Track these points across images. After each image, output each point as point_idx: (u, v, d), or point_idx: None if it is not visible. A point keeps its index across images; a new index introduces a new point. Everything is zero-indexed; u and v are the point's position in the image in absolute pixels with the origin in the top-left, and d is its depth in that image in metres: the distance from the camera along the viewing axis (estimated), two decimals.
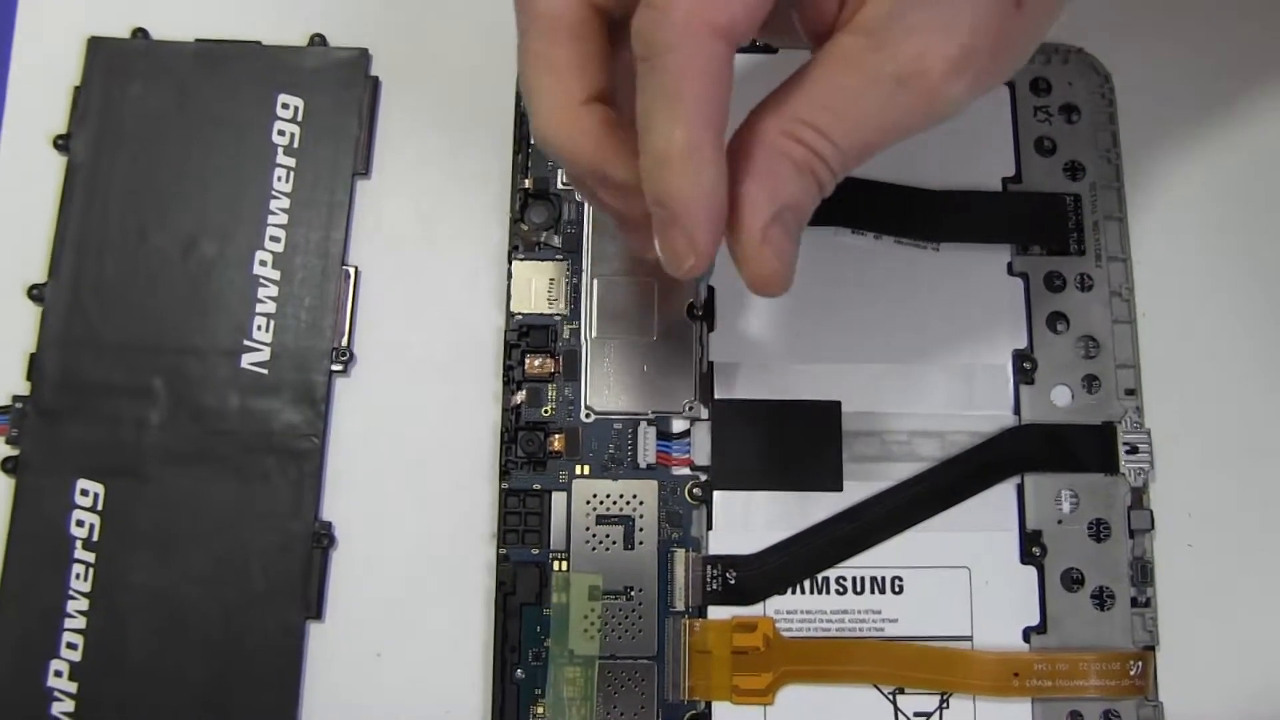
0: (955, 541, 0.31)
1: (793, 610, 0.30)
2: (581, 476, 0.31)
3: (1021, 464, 0.31)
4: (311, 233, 0.33)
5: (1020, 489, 0.31)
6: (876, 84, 0.21)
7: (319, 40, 0.34)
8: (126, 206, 0.32)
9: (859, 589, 0.30)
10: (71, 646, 0.30)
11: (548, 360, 0.31)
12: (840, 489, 0.31)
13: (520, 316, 0.32)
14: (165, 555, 0.30)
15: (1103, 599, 0.30)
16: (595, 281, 0.32)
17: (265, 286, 0.32)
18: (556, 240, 0.32)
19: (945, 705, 0.30)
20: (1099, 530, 0.31)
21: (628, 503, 0.31)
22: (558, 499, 0.31)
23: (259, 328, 0.32)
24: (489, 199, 0.33)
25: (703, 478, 0.31)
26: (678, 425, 0.31)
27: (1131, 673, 0.30)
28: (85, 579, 0.30)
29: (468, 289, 0.33)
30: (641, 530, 0.30)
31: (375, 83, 0.34)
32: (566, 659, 0.30)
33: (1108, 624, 0.30)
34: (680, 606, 0.30)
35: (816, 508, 0.31)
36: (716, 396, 0.31)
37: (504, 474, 0.31)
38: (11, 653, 0.30)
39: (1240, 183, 0.34)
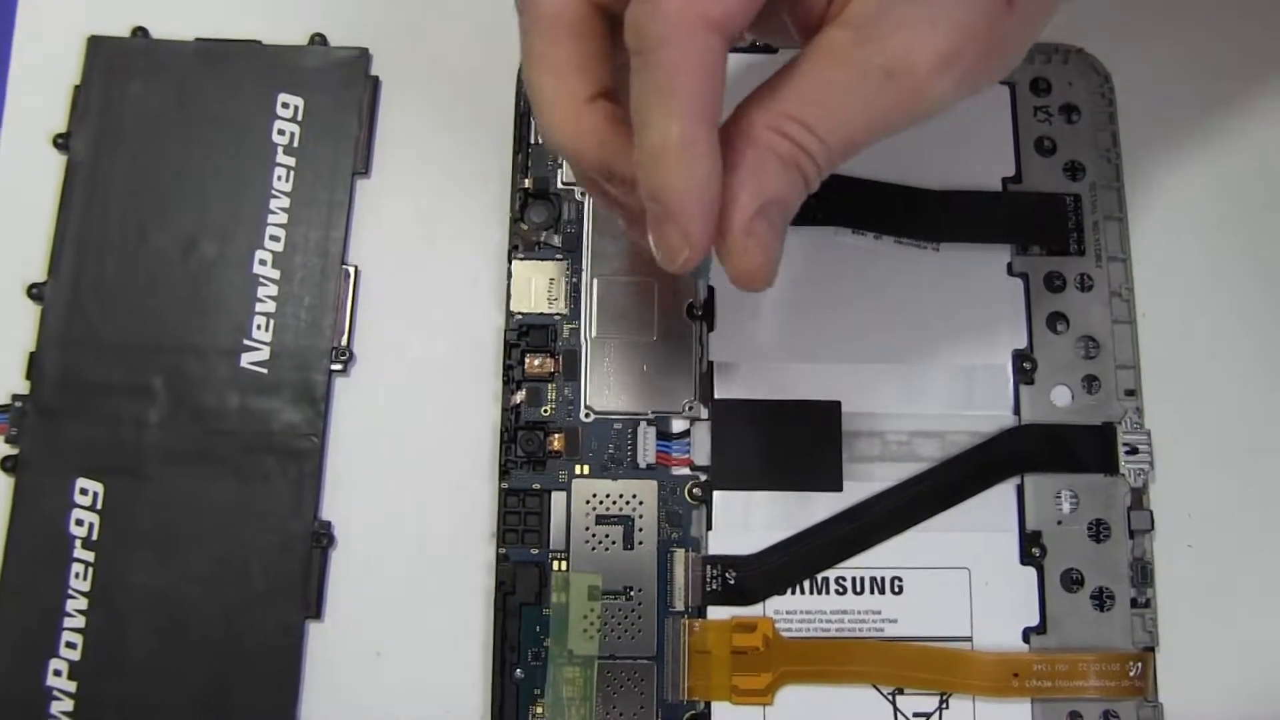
0: (955, 542, 0.31)
1: (792, 610, 0.30)
2: (581, 476, 0.31)
3: (1021, 464, 0.31)
4: (311, 232, 0.33)
5: (1020, 489, 0.31)
6: (863, 79, 0.21)
7: (319, 40, 0.34)
8: (126, 205, 0.32)
9: (859, 589, 0.30)
10: (71, 645, 0.30)
11: (547, 360, 0.31)
12: (840, 489, 0.31)
13: (520, 316, 0.32)
14: (164, 554, 0.30)
15: (1102, 599, 0.30)
16: (595, 281, 0.32)
17: (265, 286, 0.32)
18: (556, 240, 0.32)
19: (945, 706, 0.30)
20: (1099, 531, 0.31)
21: (627, 503, 0.31)
22: (557, 499, 0.31)
23: (259, 327, 0.32)
24: (489, 198, 0.33)
25: (702, 478, 0.31)
26: (677, 425, 0.31)
27: (1131, 673, 0.30)
28: (85, 578, 0.30)
29: (468, 288, 0.33)
30: (641, 530, 0.30)
31: (375, 82, 0.34)
32: (566, 659, 0.30)
33: (1107, 624, 0.30)
34: (680, 606, 0.30)
35: (816, 508, 0.31)
36: (716, 396, 0.31)
37: (503, 474, 0.31)
38: (11, 651, 0.30)
39: (1241, 183, 0.34)
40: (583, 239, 0.32)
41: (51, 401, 0.31)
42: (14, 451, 0.31)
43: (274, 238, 0.32)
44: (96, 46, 0.33)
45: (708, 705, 0.30)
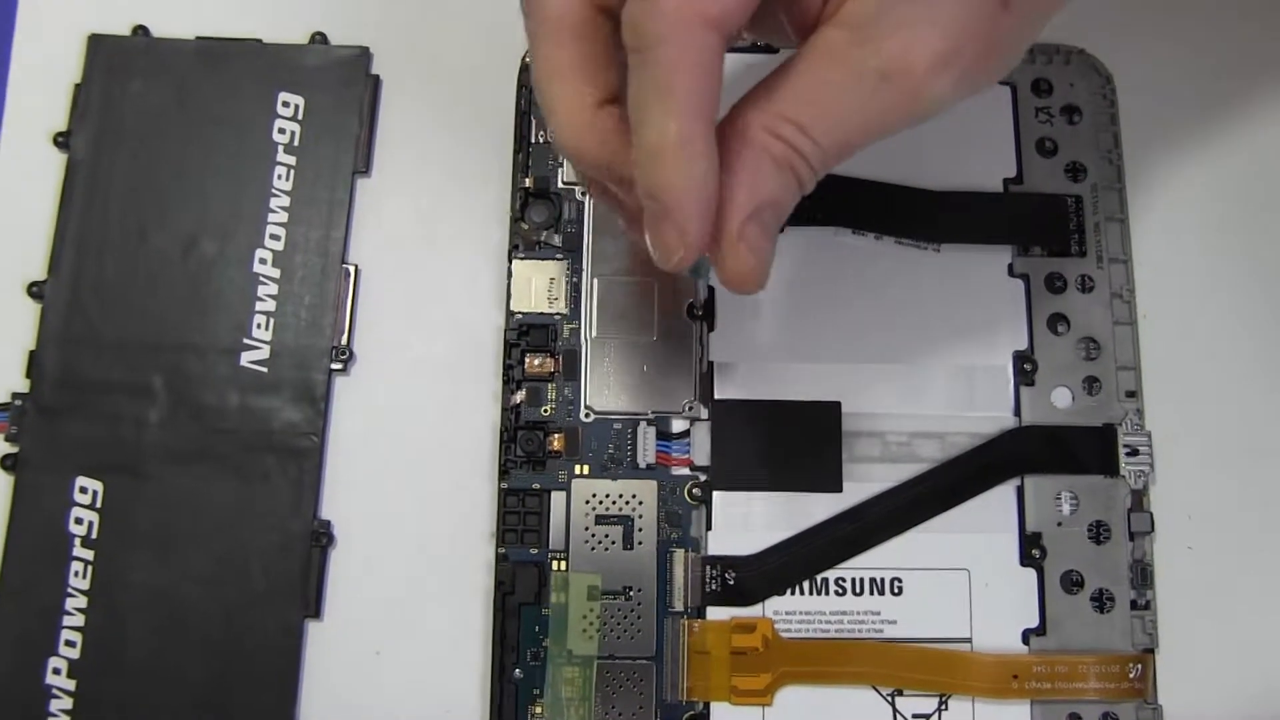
0: (955, 543, 0.31)
1: (792, 611, 0.30)
2: (581, 476, 0.31)
3: (1021, 466, 0.31)
4: (312, 231, 0.33)
5: (1020, 491, 0.31)
6: (859, 79, 0.21)
7: (320, 38, 0.34)
8: (127, 204, 0.32)
9: (858, 590, 0.30)
10: (70, 644, 0.30)
11: (547, 360, 0.31)
12: (840, 490, 0.31)
13: (520, 316, 0.32)
14: (164, 553, 0.30)
15: (1102, 601, 0.30)
16: (595, 281, 0.32)
17: (265, 285, 0.32)
18: (557, 239, 0.32)
19: (944, 707, 0.30)
20: (1099, 532, 0.31)
21: (627, 503, 0.31)
22: (557, 499, 0.31)
23: (259, 326, 0.32)
24: (489, 198, 0.33)
25: (702, 478, 0.31)
26: (677, 425, 0.31)
27: (1131, 675, 0.30)
28: (84, 576, 0.30)
29: (468, 288, 0.33)
30: (641, 530, 0.30)
31: (376, 81, 0.34)
32: (565, 659, 0.30)
33: (1107, 626, 0.30)
34: (679, 607, 0.30)
35: (816, 508, 0.31)
36: (716, 396, 0.31)
37: (503, 473, 0.31)
38: (10, 650, 0.30)
39: (1242, 184, 0.34)
40: (583, 239, 0.32)
41: (51, 400, 0.31)
42: (14, 450, 0.31)
43: (274, 236, 0.32)
44: (97, 45, 0.33)
45: (707, 706, 0.30)
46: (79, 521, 0.30)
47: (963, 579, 0.30)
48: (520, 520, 0.30)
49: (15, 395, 0.31)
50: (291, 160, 0.33)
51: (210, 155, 0.33)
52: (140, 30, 0.34)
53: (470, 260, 0.33)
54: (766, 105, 0.21)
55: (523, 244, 0.32)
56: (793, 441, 0.31)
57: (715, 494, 0.31)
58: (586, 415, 0.31)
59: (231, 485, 0.31)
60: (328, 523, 0.31)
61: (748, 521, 0.31)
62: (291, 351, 0.32)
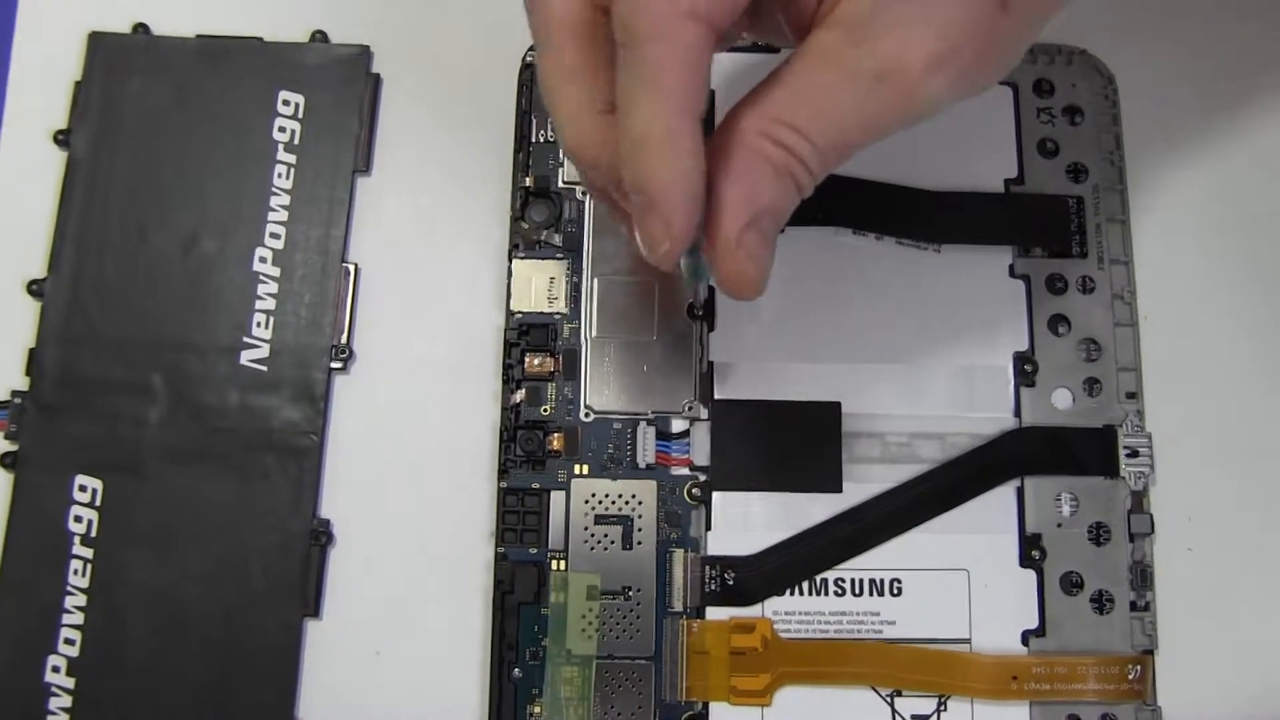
0: (954, 544, 0.30)
1: (791, 611, 0.30)
2: (580, 476, 0.31)
3: (1021, 467, 0.31)
4: (312, 230, 0.33)
5: (1020, 492, 0.31)
6: (855, 80, 0.21)
7: (320, 37, 0.34)
8: (127, 202, 0.32)
9: (858, 590, 0.30)
10: (69, 642, 0.30)
11: (547, 359, 0.31)
12: (840, 490, 0.31)
13: (520, 315, 0.32)
14: (163, 552, 0.30)
15: (1102, 603, 0.30)
16: (596, 281, 0.32)
17: (265, 283, 0.32)
18: (557, 239, 0.32)
19: (943, 708, 0.30)
20: (1099, 534, 0.31)
21: (626, 502, 0.31)
22: (556, 498, 0.31)
23: (259, 325, 0.32)
24: (489, 197, 0.33)
25: (702, 478, 0.31)
26: (677, 425, 0.31)
27: (1130, 676, 0.30)
28: (83, 575, 0.30)
29: (468, 287, 0.33)
30: (640, 530, 0.30)
31: (376, 80, 0.34)
32: (564, 658, 0.30)
33: (1107, 628, 0.30)
34: (678, 607, 0.30)
35: (816, 509, 0.31)
36: (716, 397, 0.31)
37: (503, 473, 0.31)
38: (9, 647, 0.30)
39: (1243, 186, 0.34)
40: (583, 238, 0.32)
41: (51, 398, 0.31)
42: (13, 448, 0.31)
43: (274, 235, 0.32)
44: (97, 43, 0.33)
45: (706, 706, 0.30)
46: (78, 520, 0.30)
47: (962, 580, 0.30)
48: (520, 520, 0.30)
49: (15, 393, 0.31)
50: (292, 159, 0.33)
51: (210, 154, 0.33)
52: (140, 28, 0.34)
53: (470, 259, 0.33)
54: (762, 109, 0.21)
55: (523, 243, 0.32)
56: (792, 442, 0.31)
57: (715, 494, 0.31)
58: (586, 415, 0.31)
59: (231, 484, 0.31)
60: (327, 522, 0.31)
61: (747, 522, 0.31)
62: (291, 350, 0.32)
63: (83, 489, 0.31)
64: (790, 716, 0.30)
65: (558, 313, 0.32)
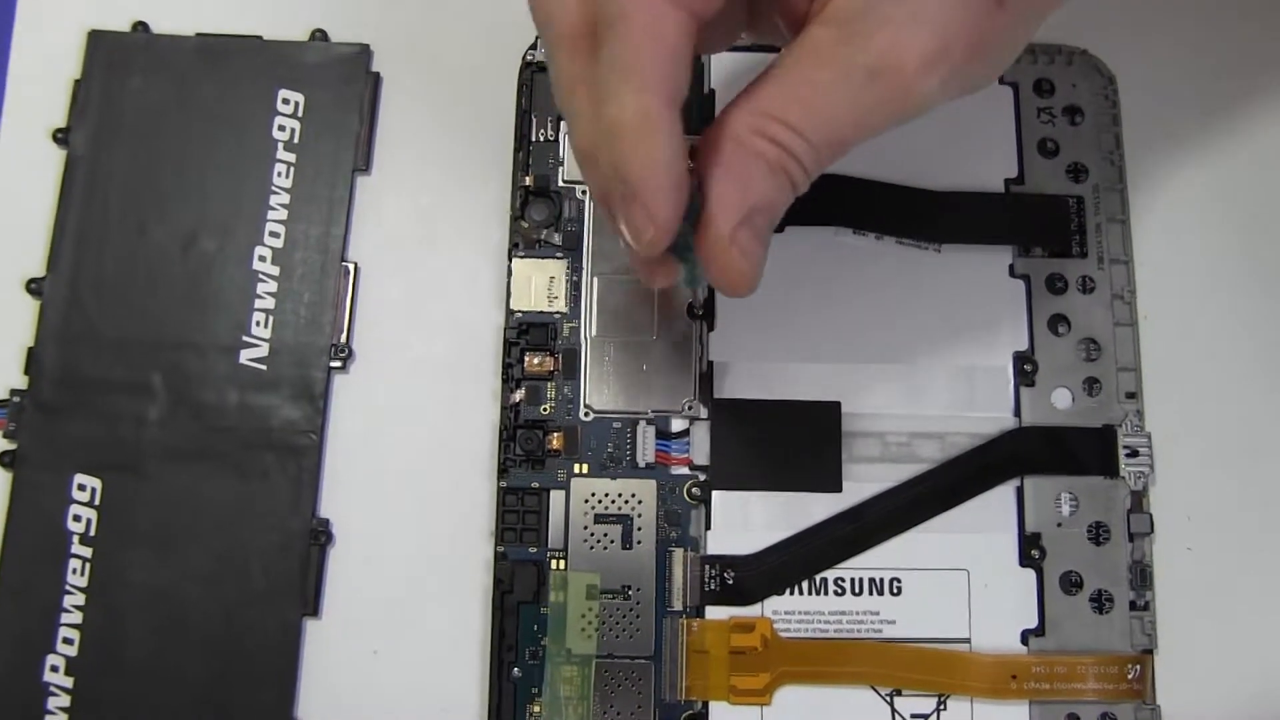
0: (954, 543, 0.30)
1: (791, 611, 0.30)
2: (580, 475, 0.31)
3: (1021, 466, 0.31)
4: (311, 229, 0.32)
5: (1020, 491, 0.31)
6: (848, 77, 0.21)
7: (320, 35, 0.34)
8: (126, 201, 0.32)
9: (857, 590, 0.30)
10: (68, 641, 0.30)
11: (547, 358, 0.31)
12: (839, 490, 0.31)
13: (520, 314, 0.32)
14: (162, 551, 0.30)
15: (1101, 602, 0.30)
16: (595, 280, 0.32)
17: (264, 282, 0.32)
18: (557, 238, 0.32)
19: (943, 707, 0.30)
20: (1098, 533, 0.31)
21: (626, 502, 0.31)
22: (556, 497, 0.31)
23: (258, 324, 0.32)
24: (489, 196, 0.33)
25: (701, 477, 0.31)
26: (677, 424, 0.31)
27: (1129, 676, 0.30)
28: (82, 574, 0.30)
29: (468, 286, 0.33)
30: (640, 530, 0.30)
31: (376, 79, 0.34)
32: (564, 658, 0.30)
33: (1106, 627, 0.30)
34: (678, 606, 0.30)
35: (815, 508, 0.31)
36: (716, 396, 0.31)
37: (502, 472, 0.31)
38: (8, 647, 0.30)
39: (1243, 186, 0.34)
40: (583, 237, 0.32)
41: (50, 397, 0.31)
42: (12, 447, 0.31)
43: (274, 234, 0.32)
44: (97, 41, 0.33)
45: (705, 705, 0.30)
46: (77, 519, 0.30)
47: (962, 579, 0.30)
48: (519, 519, 0.30)
49: (14, 392, 0.31)
50: (291, 157, 0.33)
51: (210, 152, 0.33)
52: (140, 26, 0.34)
53: (470, 258, 0.33)
54: (755, 106, 0.21)
55: (523, 242, 0.32)
56: (792, 441, 0.31)
57: (714, 493, 0.31)
58: (586, 414, 0.31)
59: (230, 483, 0.31)
60: (326, 521, 0.31)
61: (747, 521, 0.31)
62: (291, 349, 0.32)
63: (82, 488, 0.31)
64: (790, 716, 0.30)
65: (557, 312, 0.32)
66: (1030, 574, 0.30)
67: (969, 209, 0.32)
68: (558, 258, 0.32)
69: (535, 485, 0.31)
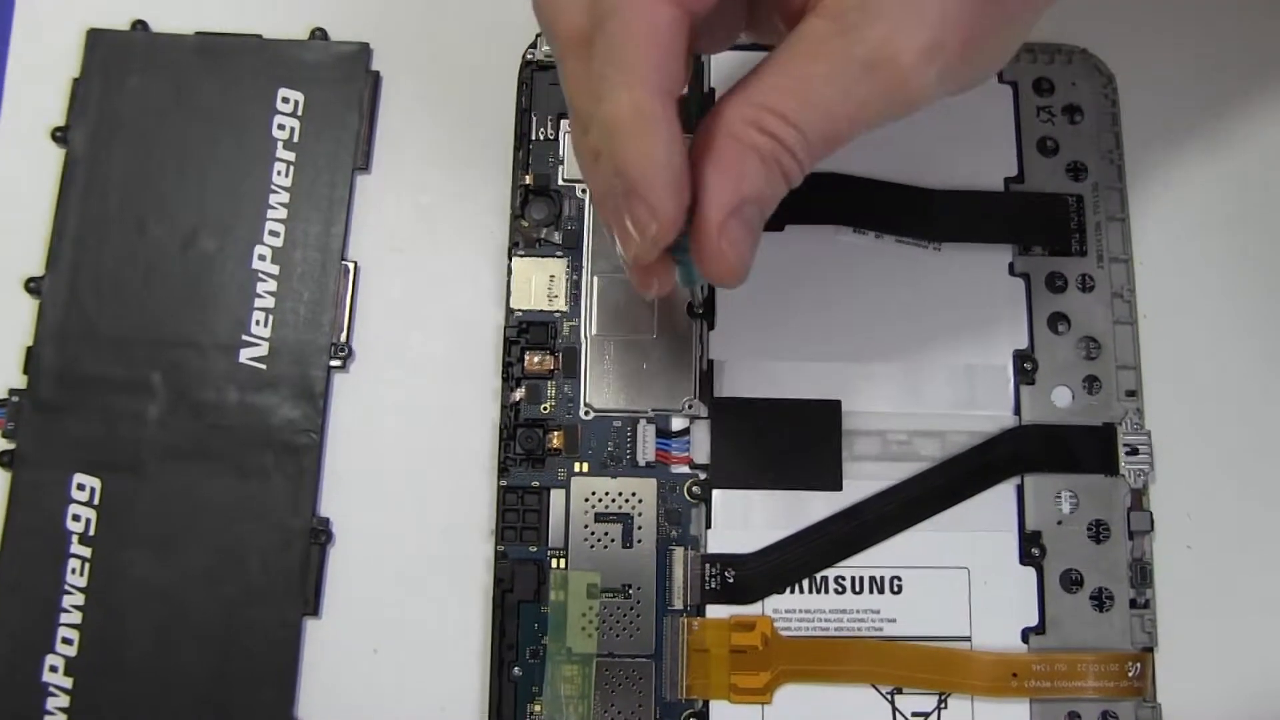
0: (954, 542, 0.31)
1: (791, 609, 0.30)
2: (580, 474, 0.31)
3: (1021, 464, 0.31)
4: (311, 227, 0.32)
5: (1020, 489, 0.31)
6: (844, 70, 0.21)
7: (320, 34, 0.34)
8: (125, 200, 0.32)
9: (858, 589, 0.30)
10: (67, 641, 0.30)
11: (547, 357, 0.31)
12: (839, 488, 0.31)
13: (520, 313, 0.32)
14: (162, 550, 0.30)
15: (1102, 600, 0.30)
16: (596, 279, 0.32)
17: (264, 281, 0.32)
18: (557, 237, 0.32)
19: (943, 705, 0.30)
20: (1098, 531, 0.31)
21: (626, 500, 0.31)
22: (556, 496, 0.31)
23: (258, 323, 0.32)
24: (489, 195, 0.33)
25: (702, 476, 0.31)
26: (677, 423, 0.31)
27: (1130, 674, 0.30)
28: (82, 574, 0.30)
29: (468, 285, 0.33)
30: (640, 528, 0.30)
31: (376, 77, 0.34)
32: (564, 657, 0.30)
33: (1106, 625, 0.30)
34: (678, 605, 0.30)
35: (816, 507, 0.31)
36: (716, 395, 0.31)
37: (502, 471, 0.31)
38: (7, 647, 0.30)
39: (1243, 185, 0.34)
40: (583, 236, 0.32)
41: (49, 396, 0.31)
42: (11, 446, 0.31)
43: (273, 233, 0.32)
44: (96, 39, 0.33)
45: (706, 704, 0.30)
46: (77, 518, 0.30)
47: (962, 578, 0.30)
48: (519, 518, 0.30)
49: (13, 391, 0.31)
50: (291, 156, 0.33)
51: (209, 151, 0.33)
52: (139, 25, 0.34)
53: (470, 257, 0.33)
54: (750, 97, 0.21)
55: (523, 241, 0.32)
56: (792, 440, 0.31)
57: (715, 492, 0.31)
58: (586, 413, 0.31)
59: (230, 482, 0.31)
60: (326, 520, 0.31)
61: (747, 520, 0.31)
62: (291, 348, 0.32)
63: (81, 487, 0.31)
64: (791, 714, 0.30)
65: (558, 311, 0.32)
66: (1031, 572, 0.30)
67: (969, 208, 0.32)
68: (558, 256, 0.32)
69: (535, 484, 0.31)
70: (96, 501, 0.30)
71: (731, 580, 0.30)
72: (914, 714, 0.30)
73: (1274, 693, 0.31)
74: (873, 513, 0.31)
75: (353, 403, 0.32)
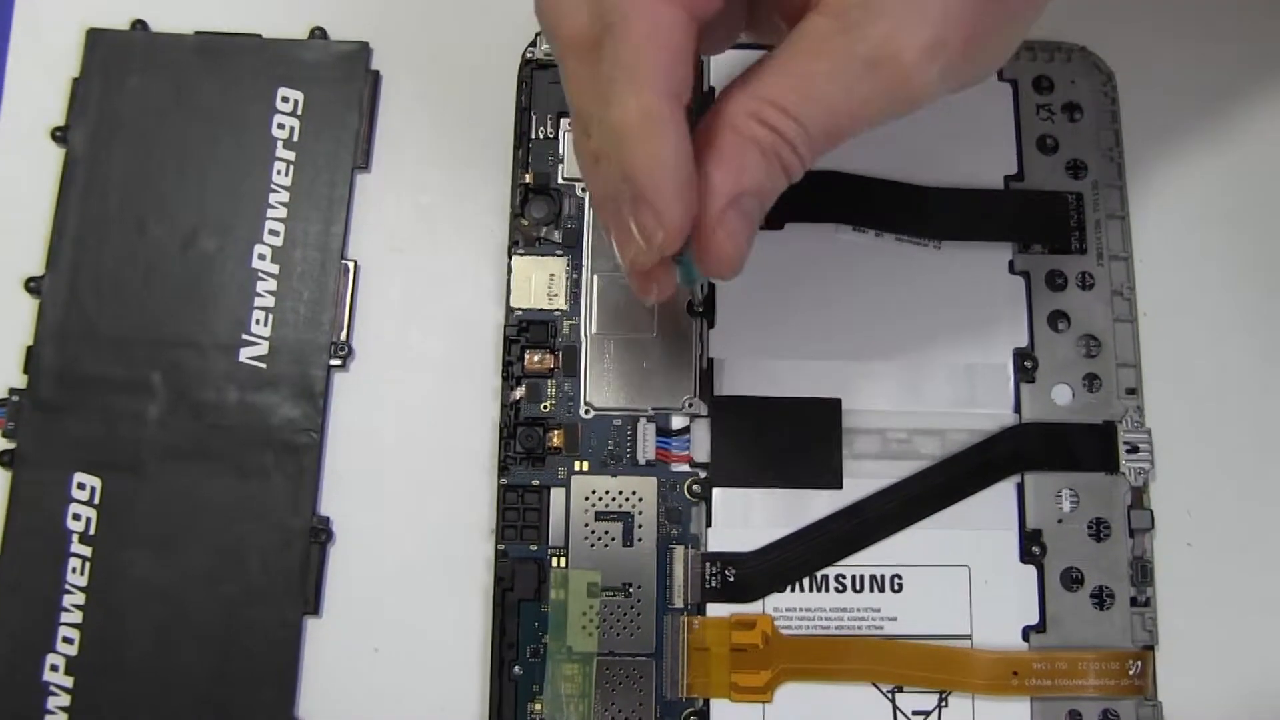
0: (955, 540, 0.30)
1: (792, 608, 0.30)
2: (580, 473, 0.31)
3: (1022, 463, 0.31)
4: (311, 227, 0.32)
5: (1020, 488, 0.31)
6: (846, 66, 0.21)
7: (320, 33, 0.34)
8: (125, 199, 0.32)
9: (858, 587, 0.30)
10: (68, 641, 0.30)
11: (547, 356, 0.31)
12: (840, 487, 0.31)
13: (520, 312, 0.32)
14: (163, 550, 0.30)
15: (1102, 598, 0.30)
16: (595, 277, 0.32)
17: (264, 280, 0.32)
18: (557, 235, 0.32)
19: (944, 704, 0.30)
20: (1099, 529, 0.31)
21: (627, 499, 0.31)
22: (556, 495, 0.31)
23: (258, 322, 0.32)
24: (489, 193, 0.33)
25: (702, 474, 0.31)
26: (677, 422, 0.31)
27: (1130, 672, 0.30)
28: (82, 573, 0.30)
29: (467, 284, 0.33)
30: (640, 527, 0.30)
31: (376, 76, 0.34)
32: (565, 656, 0.30)
33: (1107, 623, 0.30)
34: (679, 603, 0.30)
35: (816, 505, 0.31)
36: (716, 393, 0.31)
37: (503, 470, 0.31)
38: (7, 646, 0.30)
39: (1243, 182, 0.34)
40: (583, 235, 0.32)
41: (49, 396, 0.31)
42: (11, 446, 0.31)
43: (273, 232, 0.32)
44: (95, 39, 0.33)
45: (707, 703, 0.30)
46: (77, 518, 0.30)
47: (963, 576, 0.30)
48: (520, 517, 0.30)
49: (13, 391, 0.31)
50: (291, 155, 0.33)
51: (209, 151, 0.33)
52: (139, 25, 0.34)
53: (470, 256, 0.33)
54: (752, 91, 0.21)
55: (523, 240, 0.32)
56: (793, 438, 0.31)
57: (715, 490, 0.31)
58: (586, 411, 0.31)
59: (230, 482, 0.31)
60: (327, 519, 0.31)
61: (748, 518, 0.31)
62: (290, 347, 0.32)
63: (81, 487, 0.31)
64: (791, 713, 0.29)
65: (558, 309, 0.32)
66: (1031, 570, 0.30)
67: (968, 206, 0.32)
68: (558, 255, 0.32)
69: (536, 483, 0.31)
70: (97, 501, 0.30)
71: (732, 579, 0.30)
72: (915, 712, 0.30)
73: (1275, 691, 0.31)
74: (873, 511, 0.31)
75: (353, 402, 0.32)
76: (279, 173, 0.33)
